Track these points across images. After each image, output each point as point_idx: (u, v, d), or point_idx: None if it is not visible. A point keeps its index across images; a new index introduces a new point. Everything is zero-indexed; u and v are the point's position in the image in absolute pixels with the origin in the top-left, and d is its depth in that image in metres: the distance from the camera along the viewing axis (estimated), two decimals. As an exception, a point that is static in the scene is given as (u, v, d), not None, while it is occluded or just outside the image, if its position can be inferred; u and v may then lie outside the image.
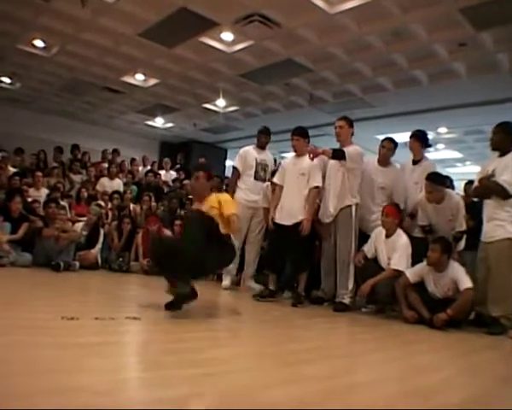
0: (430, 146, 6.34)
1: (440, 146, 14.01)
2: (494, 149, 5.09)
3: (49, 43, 9.39)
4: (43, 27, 8.59)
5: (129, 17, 7.85)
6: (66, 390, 1.90)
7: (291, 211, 5.65)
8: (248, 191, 6.52)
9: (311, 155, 5.61)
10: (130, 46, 9.09)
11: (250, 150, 6.68)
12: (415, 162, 6.07)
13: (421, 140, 6.10)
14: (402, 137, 6.31)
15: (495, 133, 5.09)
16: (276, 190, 5.97)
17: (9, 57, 10.23)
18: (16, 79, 11.80)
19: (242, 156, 6.63)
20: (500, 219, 4.85)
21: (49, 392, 1.86)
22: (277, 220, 5.77)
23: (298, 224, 5.53)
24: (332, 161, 5.68)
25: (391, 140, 6.14)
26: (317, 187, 5.67)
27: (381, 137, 13.10)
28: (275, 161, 7.21)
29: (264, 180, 6.61)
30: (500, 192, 4.81)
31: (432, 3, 6.63)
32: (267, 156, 6.77)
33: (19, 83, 12.00)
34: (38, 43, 9.40)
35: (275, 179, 6.06)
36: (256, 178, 6.57)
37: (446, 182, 5.83)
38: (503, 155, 4.96)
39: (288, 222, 5.64)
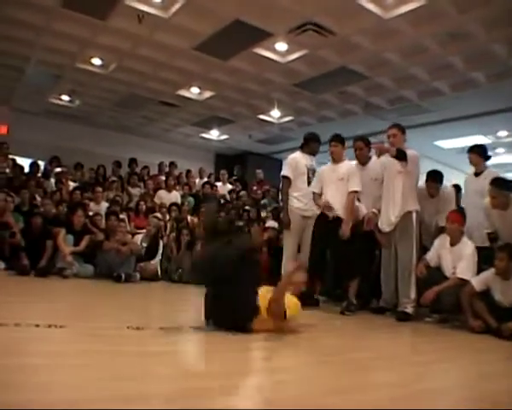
0: (490, 157, 6.16)
1: (500, 150, 13.60)
2: None
3: (106, 60, 9.64)
4: (101, 45, 8.84)
5: (184, 31, 7.99)
6: (139, 398, 1.96)
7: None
8: (303, 198, 6.37)
9: (378, 151, 5.60)
10: (185, 60, 9.23)
11: (298, 157, 6.49)
12: (477, 174, 5.97)
13: (480, 154, 6.02)
14: (461, 142, 6.18)
15: None
16: (316, 198, 5.95)
17: (68, 76, 10.56)
18: (75, 97, 12.13)
19: (292, 164, 6.38)
20: None
21: (126, 398, 1.94)
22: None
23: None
24: (390, 166, 5.59)
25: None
26: (355, 191, 5.59)
27: (440, 142, 12.92)
28: None
29: None
30: None
31: (489, 2, 6.47)
32: (313, 162, 6.65)
33: (78, 100, 12.35)
34: (96, 61, 9.66)
35: (313, 189, 6.02)
36: (309, 184, 6.47)
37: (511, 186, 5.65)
38: None
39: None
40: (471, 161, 6.06)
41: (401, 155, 5.38)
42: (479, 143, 6.25)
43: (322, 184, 5.89)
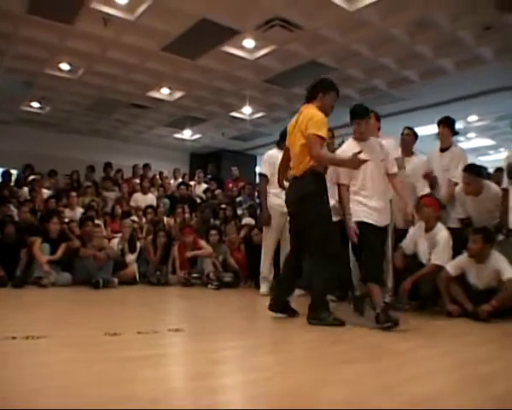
0: (458, 133, 6.21)
1: (471, 135, 13.80)
2: None
3: (75, 65, 9.56)
4: (69, 50, 8.75)
5: (151, 32, 7.95)
6: (125, 399, 2.01)
7: None
8: (282, 194, 6.29)
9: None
10: (154, 61, 9.19)
11: (275, 154, 6.40)
12: (443, 150, 5.96)
13: (450, 126, 6.01)
14: (435, 128, 6.21)
15: None
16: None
17: (38, 82, 10.47)
18: (45, 103, 12.03)
19: (269, 161, 6.37)
20: None
21: (117, 401, 1.99)
22: None
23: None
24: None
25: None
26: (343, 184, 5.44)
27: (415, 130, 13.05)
28: None
29: None
30: None
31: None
32: None
33: (48, 106, 12.24)
34: (65, 66, 9.59)
35: None
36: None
37: (483, 172, 5.72)
38: None
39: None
40: (440, 132, 6.05)
41: None
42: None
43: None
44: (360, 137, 4.71)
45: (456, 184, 5.69)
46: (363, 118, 4.73)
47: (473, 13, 7.12)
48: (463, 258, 5.04)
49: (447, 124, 6.01)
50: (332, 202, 4.69)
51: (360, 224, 4.48)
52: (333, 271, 4.35)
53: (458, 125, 12.08)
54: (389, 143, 5.36)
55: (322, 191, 4.34)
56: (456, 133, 6.09)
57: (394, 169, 4.79)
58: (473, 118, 12.29)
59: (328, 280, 4.36)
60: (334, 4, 6.90)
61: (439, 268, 5.08)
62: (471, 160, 5.82)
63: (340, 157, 4.42)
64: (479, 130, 13.42)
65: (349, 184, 4.62)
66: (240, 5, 7.07)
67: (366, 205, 4.53)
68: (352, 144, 4.70)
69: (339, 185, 4.75)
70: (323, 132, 4.17)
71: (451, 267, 5.01)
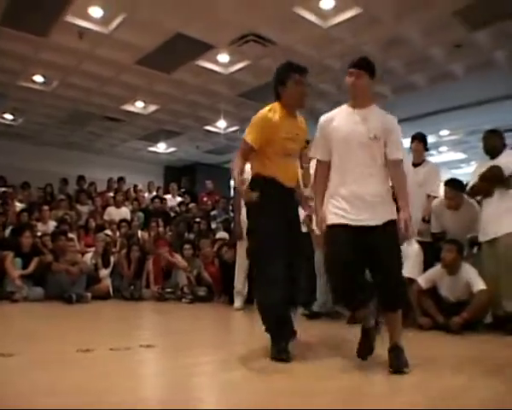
0: (429, 149, 6.30)
1: (443, 149, 14.02)
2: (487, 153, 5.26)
3: (48, 77, 9.53)
4: (43, 62, 8.73)
5: (126, 46, 7.96)
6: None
7: None
8: None
9: None
10: (128, 74, 9.19)
11: (248, 168, 6.38)
12: (416, 165, 6.03)
13: (423, 141, 6.11)
14: (407, 142, 6.30)
15: (486, 138, 5.28)
16: None
17: (11, 94, 10.38)
18: (18, 115, 11.93)
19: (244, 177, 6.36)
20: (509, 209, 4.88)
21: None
22: None
23: None
24: None
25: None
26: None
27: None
28: None
29: None
30: (501, 177, 4.92)
31: (424, 8, 6.69)
32: None
33: (21, 118, 12.14)
34: (38, 78, 9.55)
35: None
36: None
37: (464, 187, 5.80)
38: (493, 158, 5.12)
39: None
40: (414, 148, 6.10)
41: None
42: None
43: None
44: (355, 103, 3.45)
45: (434, 197, 5.78)
46: (360, 69, 3.47)
47: (443, 31, 7.27)
48: (435, 270, 5.11)
49: (421, 139, 6.11)
50: None
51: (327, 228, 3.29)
52: (269, 299, 3.36)
53: (430, 140, 12.35)
54: None
55: (265, 199, 3.43)
56: (427, 149, 6.19)
57: (397, 155, 3.27)
58: (444, 132, 12.51)
59: (264, 310, 3.46)
60: (307, 21, 6.99)
61: (411, 281, 5.14)
62: (443, 173, 5.90)
63: (238, 177, 3.46)
64: (450, 144, 13.65)
65: (328, 163, 3.39)
66: (214, 20, 7.12)
67: (336, 195, 3.27)
68: (341, 112, 3.49)
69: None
70: (249, 135, 3.57)
71: (423, 280, 5.08)
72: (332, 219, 3.22)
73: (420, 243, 5.41)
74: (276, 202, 3.49)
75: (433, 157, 14.13)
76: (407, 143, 6.41)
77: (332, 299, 4.00)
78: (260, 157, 3.63)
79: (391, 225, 3.17)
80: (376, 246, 3.14)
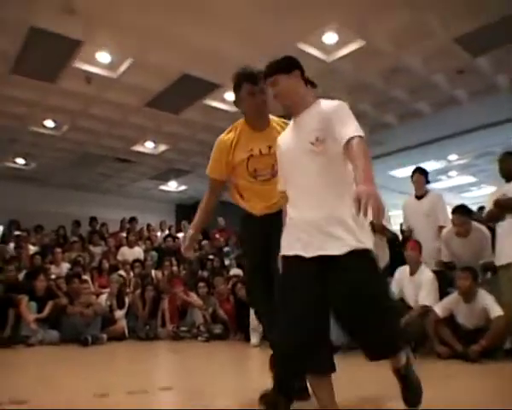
0: (429, 182, 6.30)
1: (453, 173, 13.98)
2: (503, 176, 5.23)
3: (59, 121, 9.68)
4: (53, 107, 8.88)
5: (134, 89, 8.12)
6: None
7: None
8: None
9: None
10: (137, 116, 9.32)
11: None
12: (419, 197, 6.07)
13: (424, 174, 6.15)
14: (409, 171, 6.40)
15: (502, 161, 5.24)
16: None
17: (22, 139, 10.52)
18: (30, 159, 12.06)
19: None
20: None
21: None
22: None
23: None
24: None
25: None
26: None
27: (394, 172, 13.17)
28: None
29: None
30: None
31: (425, 37, 6.76)
32: None
33: (33, 162, 12.27)
34: (49, 123, 9.69)
35: None
36: None
37: (472, 213, 5.78)
38: (508, 181, 5.13)
39: None
40: (416, 180, 6.15)
41: None
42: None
43: None
44: (292, 113, 2.71)
45: (443, 227, 5.77)
46: (272, 75, 2.66)
47: (445, 58, 7.33)
48: (451, 298, 5.09)
49: (421, 172, 6.17)
50: None
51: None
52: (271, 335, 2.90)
53: (440, 165, 12.39)
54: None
55: (242, 236, 3.40)
56: (428, 182, 6.22)
57: (347, 132, 2.38)
58: (453, 157, 12.50)
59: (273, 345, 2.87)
60: (311, 56, 7.08)
61: (427, 309, 5.12)
62: (454, 197, 5.91)
63: (195, 222, 3.37)
64: (459, 168, 13.61)
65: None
66: (218, 60, 7.20)
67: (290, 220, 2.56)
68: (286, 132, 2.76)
69: None
70: (209, 167, 3.33)
71: (440, 309, 5.05)
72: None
73: (433, 271, 5.40)
74: (256, 239, 3.14)
75: (443, 182, 14.15)
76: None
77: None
78: (232, 189, 3.28)
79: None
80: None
